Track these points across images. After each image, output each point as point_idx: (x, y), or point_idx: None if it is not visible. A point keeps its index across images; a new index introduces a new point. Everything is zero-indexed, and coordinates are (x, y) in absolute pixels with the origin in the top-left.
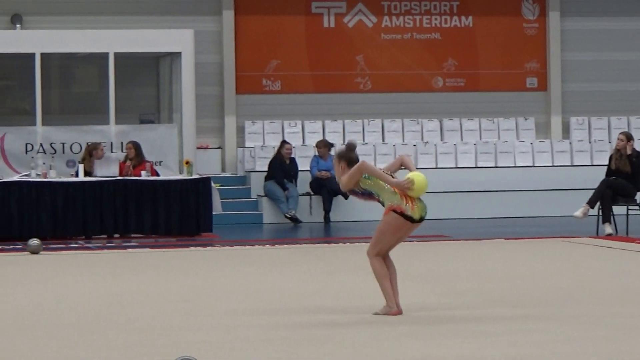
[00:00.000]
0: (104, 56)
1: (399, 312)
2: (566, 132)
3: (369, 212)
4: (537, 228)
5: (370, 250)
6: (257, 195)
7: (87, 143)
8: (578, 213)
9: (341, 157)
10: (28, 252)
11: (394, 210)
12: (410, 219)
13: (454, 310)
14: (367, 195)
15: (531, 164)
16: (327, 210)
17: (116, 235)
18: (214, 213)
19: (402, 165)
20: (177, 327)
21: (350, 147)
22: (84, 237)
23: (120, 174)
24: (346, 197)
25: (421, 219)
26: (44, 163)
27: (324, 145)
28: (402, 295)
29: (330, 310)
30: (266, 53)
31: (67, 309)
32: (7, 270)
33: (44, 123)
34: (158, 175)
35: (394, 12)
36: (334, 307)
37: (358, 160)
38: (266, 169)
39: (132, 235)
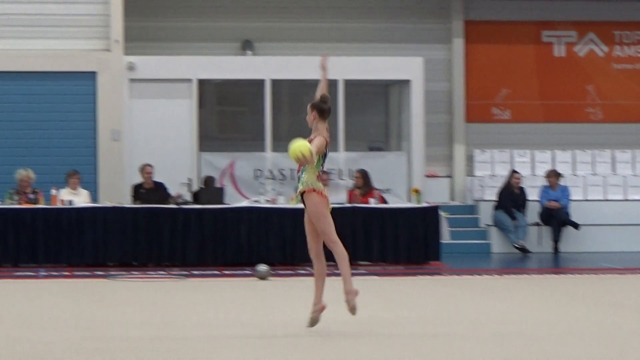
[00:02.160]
0: (333, 83)
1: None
2: None
3: (600, 243)
4: None
5: (331, 237)
6: (486, 224)
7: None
8: None
9: (314, 106)
10: (256, 278)
11: (315, 190)
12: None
13: None
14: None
15: None
16: (556, 240)
17: None
18: (442, 242)
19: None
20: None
21: (324, 99)
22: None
23: (349, 201)
24: (576, 227)
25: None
26: (272, 189)
27: (554, 175)
28: None
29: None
30: (496, 81)
31: (297, 336)
32: (234, 296)
33: (274, 149)
34: (386, 202)
35: (625, 42)
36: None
37: (329, 112)
38: (495, 198)
39: (360, 262)
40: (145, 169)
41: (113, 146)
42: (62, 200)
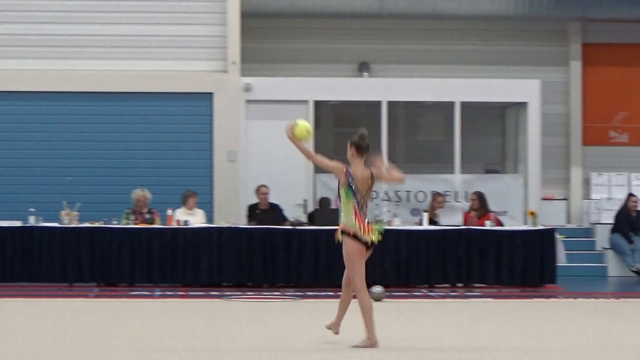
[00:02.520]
0: (449, 105)
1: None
2: None
3: None
4: None
5: (357, 285)
6: (602, 247)
7: (432, 192)
8: None
9: (353, 143)
10: (372, 300)
11: (345, 232)
12: (365, 243)
13: None
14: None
15: None
16: None
17: (459, 285)
18: (557, 265)
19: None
20: None
21: (361, 136)
22: (427, 285)
23: (465, 224)
24: None
25: (373, 244)
26: (388, 211)
27: None
28: None
29: None
30: (613, 104)
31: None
32: (348, 318)
33: None
34: (502, 225)
35: None
36: None
37: (367, 148)
38: (612, 221)
39: (475, 285)
40: (260, 190)
41: (229, 167)
42: (178, 221)
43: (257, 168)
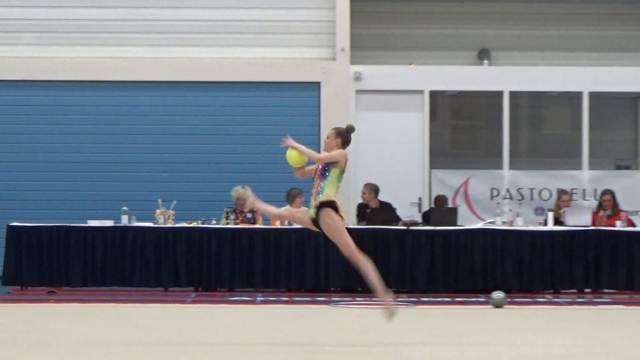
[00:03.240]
0: (577, 96)
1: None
2: None
3: None
4: None
5: (350, 250)
6: None
7: (558, 189)
8: None
9: (340, 134)
10: (491, 306)
11: (328, 205)
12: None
13: None
14: (320, 174)
15: None
16: None
17: (587, 290)
18: None
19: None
20: None
21: (349, 130)
22: (551, 290)
23: (593, 224)
24: None
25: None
26: (510, 210)
27: None
28: None
29: None
30: None
31: None
32: (465, 325)
33: (511, 167)
34: (634, 226)
35: None
36: None
37: (349, 143)
38: None
39: (605, 291)
40: (362, 190)
41: None
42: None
43: (368, 163)
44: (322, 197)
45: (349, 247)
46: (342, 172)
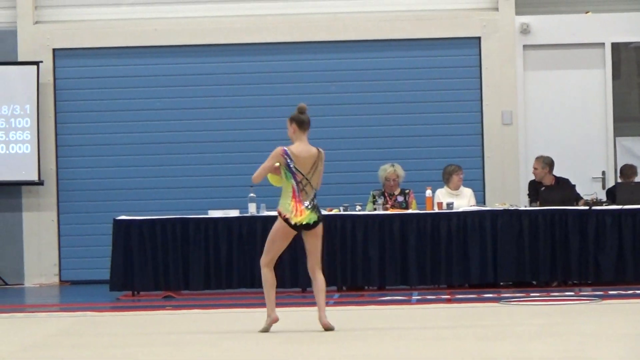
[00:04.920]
0: None
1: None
2: None
3: None
4: None
5: (263, 259)
6: None
7: None
8: None
9: (292, 118)
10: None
11: (280, 215)
12: (293, 226)
13: None
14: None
15: None
16: None
17: None
18: None
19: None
20: None
21: (301, 110)
22: None
23: None
24: None
25: (303, 226)
26: None
27: None
28: None
29: None
30: None
31: None
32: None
33: None
34: None
35: None
36: None
37: (309, 123)
38: None
39: None
40: (535, 163)
41: (503, 132)
42: (440, 203)
43: (539, 133)
44: (277, 209)
45: (266, 255)
46: (289, 169)
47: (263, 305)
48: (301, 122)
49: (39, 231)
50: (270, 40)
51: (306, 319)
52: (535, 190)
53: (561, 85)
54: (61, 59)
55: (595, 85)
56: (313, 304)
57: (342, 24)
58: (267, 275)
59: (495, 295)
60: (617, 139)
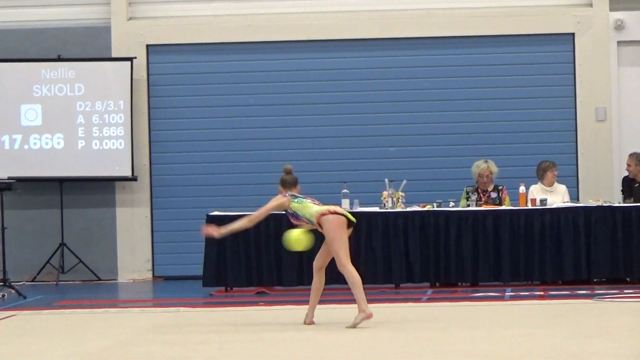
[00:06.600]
0: None
1: (370, 315)
2: None
3: None
4: None
5: (343, 261)
6: None
7: None
8: None
9: (280, 182)
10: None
11: (324, 215)
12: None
13: None
14: (294, 216)
15: None
16: None
17: None
18: None
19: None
20: None
21: (286, 171)
22: None
23: None
24: None
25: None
26: None
27: None
28: None
29: None
30: None
31: None
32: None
33: None
34: None
35: None
36: None
37: (294, 183)
38: None
39: None
40: (628, 160)
41: (598, 128)
42: (533, 200)
43: (634, 129)
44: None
45: (340, 252)
46: (288, 210)
47: (353, 301)
48: (285, 183)
49: (132, 227)
50: (363, 36)
51: (397, 314)
52: (629, 186)
53: None
54: (154, 55)
55: None
56: (404, 299)
57: (435, 20)
58: (353, 273)
59: (588, 291)
60: None
